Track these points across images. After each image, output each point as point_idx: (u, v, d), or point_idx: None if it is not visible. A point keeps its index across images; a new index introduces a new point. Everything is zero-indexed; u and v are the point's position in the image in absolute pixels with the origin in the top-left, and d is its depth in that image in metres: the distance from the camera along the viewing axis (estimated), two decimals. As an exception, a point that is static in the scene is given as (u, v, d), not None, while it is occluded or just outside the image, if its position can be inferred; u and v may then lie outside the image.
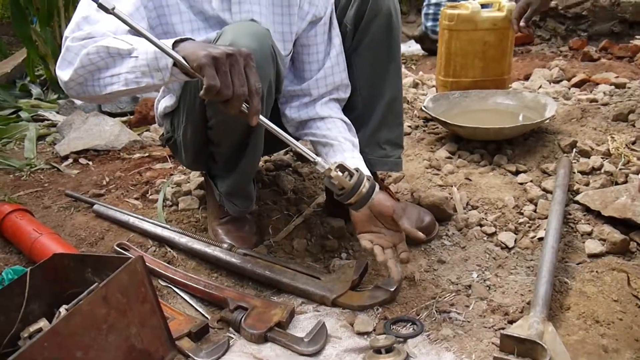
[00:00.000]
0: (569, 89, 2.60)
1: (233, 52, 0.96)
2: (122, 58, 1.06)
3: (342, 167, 1.13)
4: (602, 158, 1.78)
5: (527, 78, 2.88)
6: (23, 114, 2.84)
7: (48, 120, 2.78)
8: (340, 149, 1.37)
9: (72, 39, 1.10)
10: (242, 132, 1.30)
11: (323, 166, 1.11)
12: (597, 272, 1.32)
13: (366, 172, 1.30)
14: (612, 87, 2.49)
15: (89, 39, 1.09)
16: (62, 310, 1.03)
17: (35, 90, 3.25)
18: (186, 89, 1.33)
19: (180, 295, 1.32)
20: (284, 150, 2.04)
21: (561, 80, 2.74)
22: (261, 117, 1.03)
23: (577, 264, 1.36)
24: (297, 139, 1.41)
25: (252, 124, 1.02)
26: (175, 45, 0.99)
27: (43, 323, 1.03)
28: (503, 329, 1.14)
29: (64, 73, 1.11)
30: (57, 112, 2.87)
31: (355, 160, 1.35)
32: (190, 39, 1.03)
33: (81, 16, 1.13)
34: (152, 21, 1.21)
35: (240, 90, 0.96)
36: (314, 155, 1.11)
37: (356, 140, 1.42)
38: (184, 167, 1.84)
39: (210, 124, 1.32)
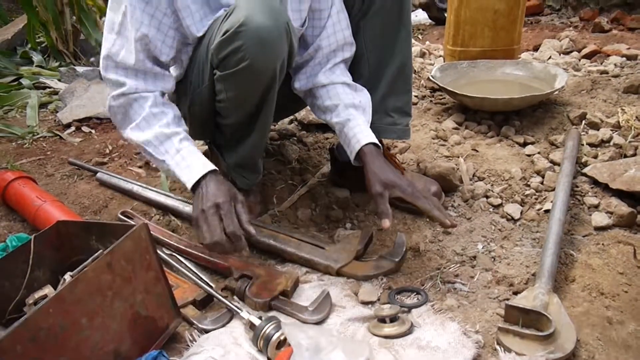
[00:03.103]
0: (579, 60, 2.56)
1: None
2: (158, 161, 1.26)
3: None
4: (611, 130, 1.75)
5: (536, 49, 2.83)
6: (24, 81, 2.81)
7: (50, 87, 2.75)
8: (340, 115, 1.36)
9: (112, 99, 1.25)
10: (253, 106, 1.27)
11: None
12: (603, 244, 1.31)
13: (366, 139, 1.30)
14: (624, 58, 2.45)
15: (123, 98, 1.23)
16: (67, 277, 1.03)
17: (37, 57, 3.21)
18: (194, 62, 1.30)
19: (184, 264, 1.32)
20: (289, 119, 2.02)
21: (571, 52, 2.69)
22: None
23: (583, 236, 1.35)
24: (305, 105, 1.46)
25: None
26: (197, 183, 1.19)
27: (48, 290, 1.03)
28: (508, 299, 1.14)
29: (134, 134, 1.26)
30: (59, 80, 2.84)
31: (355, 129, 1.32)
32: (213, 172, 1.20)
33: (104, 54, 1.24)
34: (176, 36, 1.27)
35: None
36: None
37: (359, 99, 1.38)
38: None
39: (219, 98, 1.28)
